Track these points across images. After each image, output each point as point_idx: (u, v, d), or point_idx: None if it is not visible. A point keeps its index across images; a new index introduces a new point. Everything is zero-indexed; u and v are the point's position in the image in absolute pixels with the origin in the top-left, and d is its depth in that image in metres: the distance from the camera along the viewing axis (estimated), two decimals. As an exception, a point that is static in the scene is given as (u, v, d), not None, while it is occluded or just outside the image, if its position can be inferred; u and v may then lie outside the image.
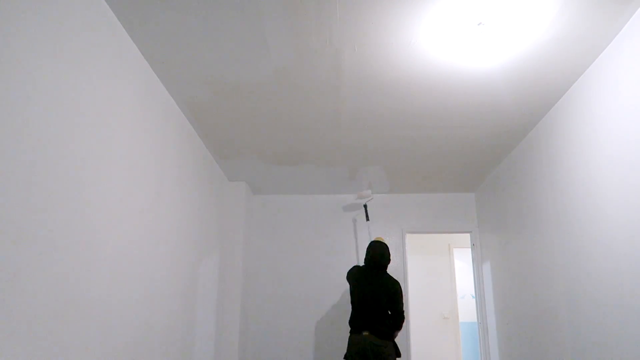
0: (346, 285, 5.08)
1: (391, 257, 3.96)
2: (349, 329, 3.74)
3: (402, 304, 3.74)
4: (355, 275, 3.86)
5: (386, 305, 3.66)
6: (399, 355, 3.70)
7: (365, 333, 3.55)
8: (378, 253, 3.80)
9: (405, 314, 5.08)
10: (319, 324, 5.00)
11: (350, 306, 3.83)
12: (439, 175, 4.69)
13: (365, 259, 3.91)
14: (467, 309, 6.73)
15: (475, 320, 5.27)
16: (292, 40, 2.44)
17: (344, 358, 3.66)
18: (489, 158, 4.20)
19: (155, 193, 2.75)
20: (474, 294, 5.35)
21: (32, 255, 1.60)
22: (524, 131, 3.59)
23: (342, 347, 4.89)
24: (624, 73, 2.33)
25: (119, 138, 2.28)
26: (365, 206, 4.98)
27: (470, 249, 5.36)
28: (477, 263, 5.17)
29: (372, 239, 4.09)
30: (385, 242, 3.97)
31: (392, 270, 5.15)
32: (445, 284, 6.80)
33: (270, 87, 2.92)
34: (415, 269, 6.41)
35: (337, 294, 5.07)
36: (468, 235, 5.37)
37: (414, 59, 2.61)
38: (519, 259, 3.93)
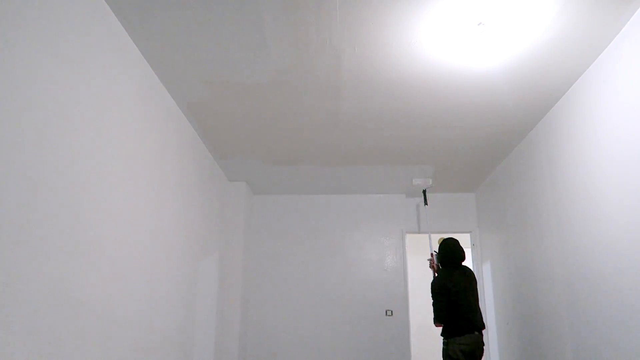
0: (346, 286, 5.10)
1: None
2: (449, 332, 3.49)
3: None
4: (447, 283, 3.57)
5: (478, 297, 3.63)
6: None
7: (477, 333, 3.46)
8: (458, 249, 3.68)
9: (406, 314, 5.07)
10: (319, 324, 5.00)
11: (440, 311, 3.59)
12: (439, 175, 4.68)
13: (446, 258, 3.70)
14: (467, 309, 6.71)
15: (475, 320, 5.26)
16: (292, 41, 2.44)
17: (450, 358, 3.45)
18: (489, 158, 4.20)
19: (155, 193, 2.75)
20: (474, 294, 5.34)
21: (32, 256, 1.60)
22: (524, 131, 3.59)
23: (342, 346, 4.90)
24: (624, 73, 2.33)
25: (119, 138, 2.28)
26: (424, 191, 4.95)
27: (470, 249, 5.36)
28: (477, 263, 5.17)
29: (439, 240, 3.88)
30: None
31: (392, 270, 5.18)
32: (445, 284, 6.78)
33: (270, 87, 2.92)
34: (415, 268, 6.40)
35: (337, 293, 5.08)
36: (468, 235, 5.37)
37: (414, 59, 2.61)
38: (519, 259, 3.93)
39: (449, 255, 3.68)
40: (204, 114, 3.29)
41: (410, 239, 5.51)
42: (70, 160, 1.85)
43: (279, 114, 3.30)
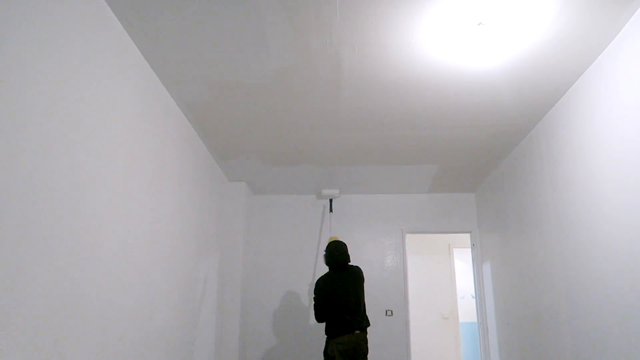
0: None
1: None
2: (330, 332, 3.66)
3: None
4: (327, 285, 3.75)
5: (363, 297, 3.76)
6: None
7: (357, 332, 3.61)
8: (342, 253, 3.85)
9: (406, 314, 5.08)
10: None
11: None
12: (439, 175, 4.69)
13: (330, 262, 3.86)
14: (467, 309, 6.73)
15: (475, 320, 5.27)
16: (292, 40, 2.44)
17: (328, 357, 3.63)
18: (489, 158, 4.20)
19: (155, 193, 2.75)
20: (474, 294, 5.35)
21: (32, 255, 1.60)
22: (524, 131, 3.59)
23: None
24: (624, 73, 2.33)
25: (119, 138, 2.28)
26: (330, 200, 5.22)
27: (470, 249, 5.37)
28: (477, 263, 5.17)
29: (330, 239, 4.03)
30: (342, 240, 3.98)
31: (392, 270, 5.18)
32: (445, 284, 6.80)
33: (270, 87, 2.92)
34: (415, 269, 6.41)
35: (337, 294, 5.07)
36: (468, 235, 5.37)
37: (414, 59, 2.61)
38: (519, 259, 3.93)
39: (329, 258, 3.87)
40: (204, 114, 3.29)
41: (410, 238, 5.52)
42: (70, 160, 1.85)
43: (279, 114, 3.30)
